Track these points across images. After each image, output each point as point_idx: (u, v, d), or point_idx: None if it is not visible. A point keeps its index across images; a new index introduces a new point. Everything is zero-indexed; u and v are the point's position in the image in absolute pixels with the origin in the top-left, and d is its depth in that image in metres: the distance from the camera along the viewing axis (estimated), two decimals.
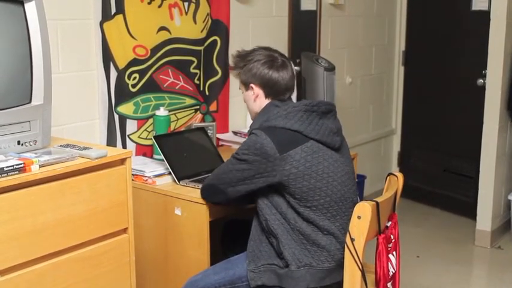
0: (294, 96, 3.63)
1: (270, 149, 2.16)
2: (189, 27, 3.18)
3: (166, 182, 2.67)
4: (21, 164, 1.86)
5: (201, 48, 3.27)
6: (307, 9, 3.98)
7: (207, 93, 3.36)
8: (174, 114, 3.18)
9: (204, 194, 2.41)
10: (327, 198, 2.20)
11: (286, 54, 3.83)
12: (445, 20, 4.65)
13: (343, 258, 2.16)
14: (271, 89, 2.35)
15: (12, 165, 1.84)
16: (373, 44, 4.73)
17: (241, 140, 3.22)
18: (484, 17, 4.08)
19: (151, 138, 3.01)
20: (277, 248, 2.23)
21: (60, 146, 2.15)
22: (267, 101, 2.37)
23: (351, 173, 2.34)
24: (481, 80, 4.26)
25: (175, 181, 2.64)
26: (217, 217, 2.51)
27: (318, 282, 2.21)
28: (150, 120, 3.06)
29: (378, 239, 2.22)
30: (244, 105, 2.49)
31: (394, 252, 2.29)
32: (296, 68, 3.82)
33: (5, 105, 1.97)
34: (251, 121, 2.42)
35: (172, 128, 3.13)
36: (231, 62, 2.50)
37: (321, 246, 2.21)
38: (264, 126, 2.24)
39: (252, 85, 2.38)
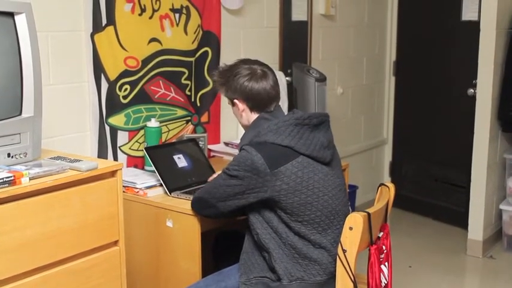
0: (285, 107, 3.67)
1: (260, 165, 2.15)
2: (180, 38, 3.18)
3: (158, 193, 2.66)
4: (11, 176, 1.85)
5: (192, 59, 3.27)
6: (298, 20, 3.99)
7: (198, 104, 3.35)
8: (166, 125, 3.17)
9: (195, 207, 2.40)
10: (317, 212, 2.19)
11: (278, 65, 3.87)
12: (435, 30, 4.68)
13: (335, 271, 2.15)
14: (255, 102, 2.34)
15: (2, 178, 1.83)
16: (364, 55, 4.75)
17: (233, 151, 3.23)
18: (474, 27, 4.11)
19: (142, 150, 3.00)
20: (269, 262, 2.22)
21: (51, 158, 2.14)
22: (253, 115, 2.36)
23: (342, 185, 2.33)
24: (471, 90, 4.28)
25: (166, 193, 2.64)
26: (209, 229, 2.50)
27: None
28: (141, 132, 3.05)
29: (369, 249, 2.21)
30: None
31: (386, 263, 2.29)
32: (287, 78, 3.83)
33: None
34: (243, 132, 2.41)
35: (163, 139, 3.13)
36: (214, 80, 2.48)
37: (313, 260, 2.20)
38: (254, 142, 2.22)
39: (235, 100, 2.37)
